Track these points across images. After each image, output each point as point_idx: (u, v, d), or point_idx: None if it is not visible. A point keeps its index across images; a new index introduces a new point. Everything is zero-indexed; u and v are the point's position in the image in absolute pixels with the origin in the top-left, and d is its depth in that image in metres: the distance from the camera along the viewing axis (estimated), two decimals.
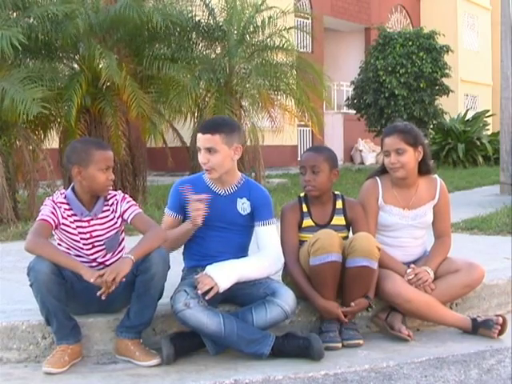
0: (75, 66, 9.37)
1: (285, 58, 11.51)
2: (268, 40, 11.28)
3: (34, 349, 3.33)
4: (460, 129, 20.53)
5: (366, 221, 3.77)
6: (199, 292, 3.23)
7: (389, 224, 3.86)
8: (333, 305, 3.51)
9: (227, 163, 3.48)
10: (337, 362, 3.27)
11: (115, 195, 3.46)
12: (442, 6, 29.74)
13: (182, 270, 3.68)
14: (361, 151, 25.00)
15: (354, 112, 20.23)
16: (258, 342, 3.26)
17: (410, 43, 18.68)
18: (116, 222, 3.44)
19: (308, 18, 20.23)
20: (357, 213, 3.78)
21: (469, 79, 29.51)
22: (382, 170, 3.92)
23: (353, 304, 3.53)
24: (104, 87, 8.82)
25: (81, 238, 3.39)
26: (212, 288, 3.26)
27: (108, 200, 3.44)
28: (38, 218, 3.33)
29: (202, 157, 3.46)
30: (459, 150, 19.71)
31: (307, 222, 3.73)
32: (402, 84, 18.44)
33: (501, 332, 3.61)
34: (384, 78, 18.49)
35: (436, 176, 3.96)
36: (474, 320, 3.68)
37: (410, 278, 3.70)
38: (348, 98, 20.29)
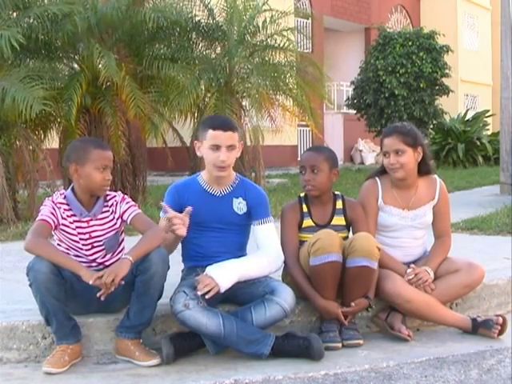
0: (75, 65, 9.38)
1: (285, 57, 11.50)
2: (268, 40, 11.28)
3: (34, 349, 3.33)
4: (460, 129, 20.53)
5: (365, 221, 3.77)
6: (199, 293, 3.23)
7: (388, 224, 3.86)
8: (333, 305, 3.51)
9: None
10: (337, 362, 3.27)
11: (115, 196, 3.46)
12: (442, 5, 29.73)
13: (182, 271, 3.68)
14: (361, 151, 25.00)
15: (354, 112, 20.22)
16: (258, 342, 3.26)
17: (410, 43, 18.68)
18: (115, 223, 3.44)
19: (308, 18, 20.23)
20: (357, 213, 3.78)
21: (469, 79, 29.51)
22: (382, 171, 3.92)
23: (353, 304, 3.53)
24: (104, 87, 8.82)
25: (80, 239, 3.39)
26: (212, 288, 3.26)
27: (108, 201, 3.45)
28: (37, 219, 3.33)
29: (223, 154, 3.43)
30: (459, 150, 19.71)
31: (307, 222, 3.73)
32: (401, 84, 18.44)
33: (501, 332, 3.61)
34: (384, 77, 18.48)
35: (436, 176, 3.96)
36: (473, 320, 3.68)
37: (410, 277, 3.70)
38: (348, 98, 20.28)
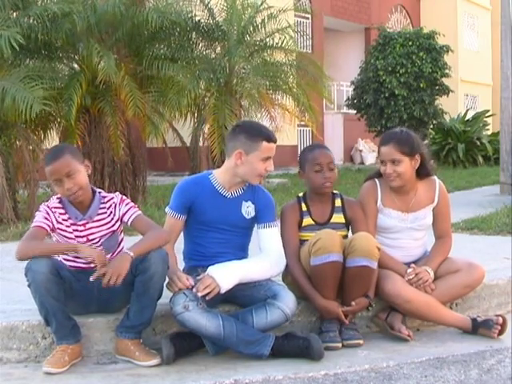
0: (75, 65, 9.37)
1: (284, 57, 11.50)
2: (268, 39, 11.27)
3: (34, 349, 3.33)
4: (460, 129, 20.54)
5: (365, 221, 3.78)
6: (198, 294, 3.23)
7: (388, 226, 3.85)
8: (333, 304, 3.51)
9: None
10: (337, 362, 3.27)
11: (112, 198, 3.44)
12: (442, 5, 29.74)
13: (182, 270, 3.68)
14: (361, 151, 25.01)
15: (354, 112, 20.22)
16: (258, 343, 3.26)
17: (410, 43, 18.68)
18: (113, 225, 3.43)
19: (308, 18, 20.23)
20: (355, 212, 3.78)
21: (469, 79, 29.51)
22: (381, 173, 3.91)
23: (353, 303, 3.53)
24: (103, 87, 8.82)
25: (78, 242, 3.38)
26: (212, 290, 3.26)
27: (105, 202, 3.43)
28: (31, 226, 3.31)
29: (270, 165, 3.49)
30: (459, 150, 19.71)
31: (307, 220, 3.74)
32: (401, 84, 18.44)
33: (501, 332, 3.61)
34: (384, 77, 18.48)
35: (435, 178, 3.94)
36: (473, 320, 3.68)
37: (411, 277, 3.69)
38: (348, 98, 20.29)
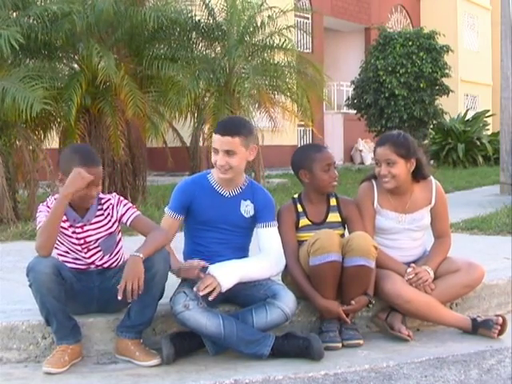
0: (75, 65, 9.37)
1: (284, 57, 11.50)
2: (268, 39, 11.27)
3: (34, 349, 3.33)
4: (460, 129, 20.52)
5: (361, 220, 3.79)
6: (200, 294, 3.23)
7: (386, 228, 3.85)
8: (333, 304, 3.51)
9: (243, 164, 3.49)
10: (337, 362, 3.27)
11: (109, 199, 3.44)
12: (442, 5, 29.74)
13: None
14: (361, 151, 25.00)
15: (354, 112, 20.21)
16: (258, 343, 3.26)
17: (410, 43, 18.67)
18: (111, 227, 3.42)
19: (308, 18, 20.23)
20: (351, 211, 3.80)
21: (469, 79, 29.52)
22: None
23: (353, 302, 3.53)
24: (103, 87, 8.81)
25: (77, 243, 3.38)
26: (214, 289, 3.26)
27: (102, 204, 3.42)
28: (37, 227, 3.31)
29: (220, 159, 3.41)
30: (459, 150, 19.70)
31: (303, 221, 3.75)
32: (402, 84, 18.43)
33: (501, 332, 3.61)
34: (384, 77, 18.47)
35: (431, 178, 3.92)
36: (473, 320, 3.68)
37: (411, 277, 3.69)
38: (348, 98, 20.27)
